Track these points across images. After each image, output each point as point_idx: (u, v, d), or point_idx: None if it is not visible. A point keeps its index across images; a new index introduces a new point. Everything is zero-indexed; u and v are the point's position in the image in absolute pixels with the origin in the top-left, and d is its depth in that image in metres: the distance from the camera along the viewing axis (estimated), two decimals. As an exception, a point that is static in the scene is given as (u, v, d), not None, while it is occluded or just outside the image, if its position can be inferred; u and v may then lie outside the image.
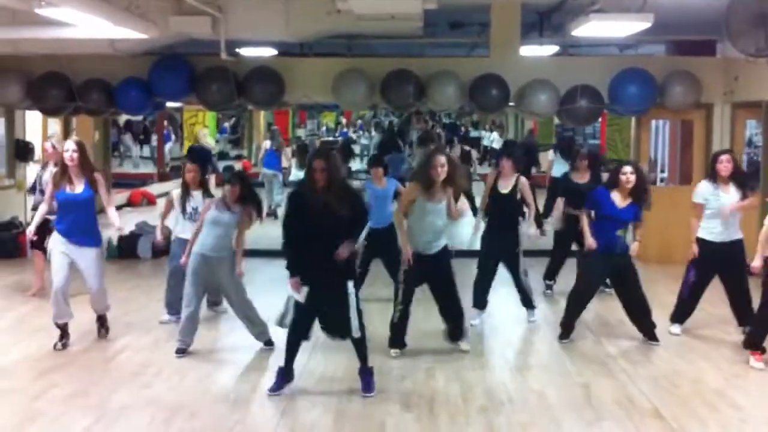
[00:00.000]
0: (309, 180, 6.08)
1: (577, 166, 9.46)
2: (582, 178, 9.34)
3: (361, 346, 6.31)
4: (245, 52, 11.63)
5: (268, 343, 7.40)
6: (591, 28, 9.35)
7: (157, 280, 8.51)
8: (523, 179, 8.25)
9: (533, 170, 14.61)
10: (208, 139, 15.93)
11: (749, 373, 6.82)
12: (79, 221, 7.27)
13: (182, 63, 11.04)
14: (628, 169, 7.41)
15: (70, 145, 7.35)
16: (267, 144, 17.01)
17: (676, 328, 7.93)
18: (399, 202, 7.53)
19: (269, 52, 11.82)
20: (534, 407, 6.09)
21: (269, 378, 6.41)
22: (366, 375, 6.31)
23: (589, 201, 7.69)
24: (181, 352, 7.17)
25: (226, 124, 30.89)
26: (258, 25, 10.35)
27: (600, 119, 16.00)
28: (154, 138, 24.80)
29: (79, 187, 7.26)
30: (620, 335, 7.84)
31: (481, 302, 8.34)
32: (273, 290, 7.71)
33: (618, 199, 7.42)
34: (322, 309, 6.20)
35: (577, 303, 7.73)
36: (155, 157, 23.54)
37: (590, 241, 7.48)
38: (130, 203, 18.01)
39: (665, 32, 12.20)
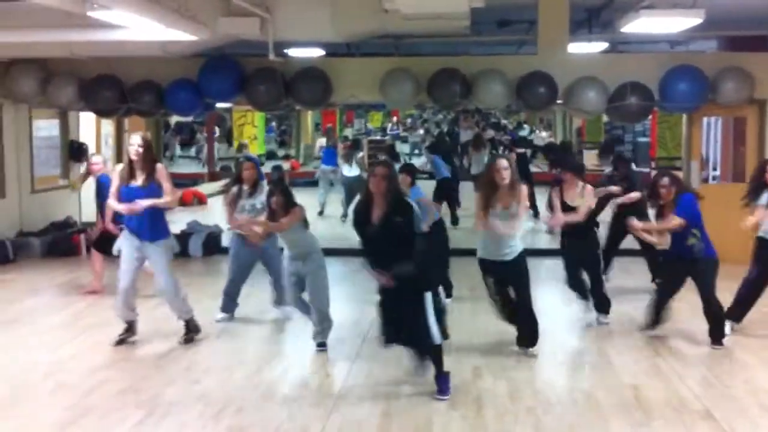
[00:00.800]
0: (368, 188, 6.18)
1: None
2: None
3: (438, 353, 6.25)
4: (293, 52, 11.71)
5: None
6: (641, 25, 9.23)
7: (209, 277, 8.63)
8: (588, 187, 8.12)
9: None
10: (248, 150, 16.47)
11: (804, 374, 6.69)
12: (145, 216, 7.33)
13: (231, 64, 11.15)
14: (666, 181, 7.41)
15: (136, 139, 7.43)
16: (323, 142, 17.38)
17: (727, 327, 7.77)
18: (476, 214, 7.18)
19: (317, 52, 11.89)
20: (582, 408, 6.03)
21: (318, 375, 6.46)
22: (441, 379, 6.24)
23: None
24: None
25: (273, 124, 31.19)
26: (305, 26, 10.40)
27: (650, 116, 15.75)
28: (198, 138, 25.25)
29: (143, 182, 7.33)
30: (671, 335, 7.73)
31: (585, 297, 8.34)
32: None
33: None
34: (400, 319, 6.18)
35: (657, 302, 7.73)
36: (200, 157, 23.89)
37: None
38: (182, 203, 18.25)
39: (717, 28, 12.01)
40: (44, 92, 11.38)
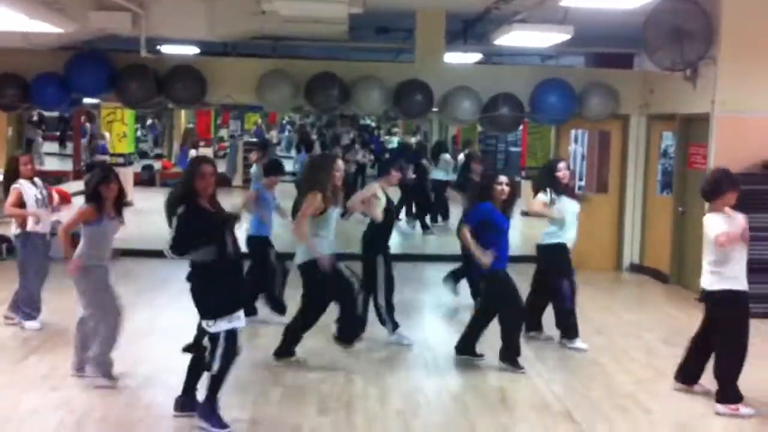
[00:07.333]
0: (198, 188, 5.42)
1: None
2: None
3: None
4: (166, 49, 11.46)
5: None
6: (513, 38, 9.52)
7: (69, 282, 8.19)
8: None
9: None
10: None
11: (659, 377, 7.00)
12: None
13: (101, 59, 10.80)
14: (503, 179, 6.94)
15: None
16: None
17: (581, 343, 7.70)
18: (301, 213, 6.67)
19: (191, 50, 11.67)
20: (450, 409, 6.15)
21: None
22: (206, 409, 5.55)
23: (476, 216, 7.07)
24: None
25: (156, 121, 30.30)
26: (180, 24, 10.20)
27: (521, 127, 16.24)
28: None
29: None
30: (538, 338, 7.95)
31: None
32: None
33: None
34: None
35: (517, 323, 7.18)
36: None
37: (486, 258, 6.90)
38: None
39: (585, 44, 12.51)
40: None
